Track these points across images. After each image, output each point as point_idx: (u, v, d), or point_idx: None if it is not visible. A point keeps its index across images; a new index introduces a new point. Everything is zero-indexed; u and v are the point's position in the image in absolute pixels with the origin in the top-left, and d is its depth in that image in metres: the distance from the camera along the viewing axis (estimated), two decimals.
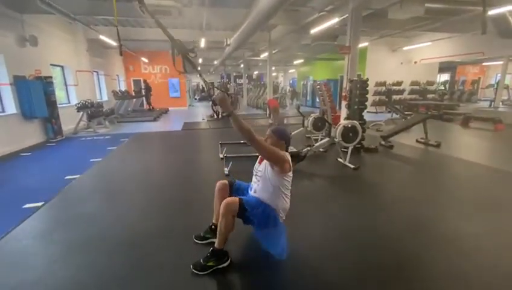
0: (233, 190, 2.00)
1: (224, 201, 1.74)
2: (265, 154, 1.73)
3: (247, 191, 1.98)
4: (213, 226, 2.08)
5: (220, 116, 10.09)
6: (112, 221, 2.62)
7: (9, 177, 3.92)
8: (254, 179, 1.95)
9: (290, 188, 1.90)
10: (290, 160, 1.82)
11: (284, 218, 1.91)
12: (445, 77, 19.34)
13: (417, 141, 5.88)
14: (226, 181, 2.03)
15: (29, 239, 2.31)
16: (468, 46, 9.70)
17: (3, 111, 5.63)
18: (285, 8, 5.73)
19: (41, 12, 5.80)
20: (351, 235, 2.34)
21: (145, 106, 13.80)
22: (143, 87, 13.72)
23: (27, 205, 2.93)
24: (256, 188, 1.88)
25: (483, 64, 18.03)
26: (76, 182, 3.67)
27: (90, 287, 1.73)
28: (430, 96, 12.85)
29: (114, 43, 8.77)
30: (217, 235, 1.81)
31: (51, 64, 7.29)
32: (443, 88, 16.95)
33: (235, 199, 1.77)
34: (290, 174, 1.85)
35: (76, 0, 6.11)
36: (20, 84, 5.76)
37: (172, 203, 3.03)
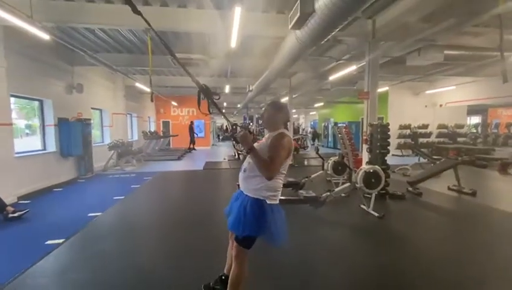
0: None
1: (233, 255, 1.70)
2: (284, 161, 1.67)
3: (234, 201, 1.83)
4: (223, 277, 1.98)
5: (239, 156, 10.27)
6: (125, 263, 2.61)
7: (39, 212, 4.13)
8: (247, 158, 1.80)
9: (284, 172, 1.73)
10: (292, 143, 1.70)
11: (276, 199, 1.72)
12: (475, 119, 18.56)
13: (449, 188, 5.46)
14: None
15: (45, 277, 2.34)
16: (496, 88, 9.36)
17: (44, 149, 6.19)
18: (304, 57, 6.09)
19: (88, 64, 6.68)
20: (371, 286, 2.11)
21: (191, 145, 14.43)
22: (228, 129, 14.73)
23: (49, 241, 3.03)
24: (247, 167, 1.73)
25: None
26: (97, 220, 3.78)
27: None
28: (460, 140, 12.22)
29: (148, 89, 9.66)
30: (228, 286, 1.71)
31: (92, 108, 8.10)
32: (475, 131, 16.15)
33: (235, 247, 1.69)
34: (288, 160, 1.71)
35: (118, 54, 7.00)
36: (62, 125, 6.40)
37: (187, 246, 2.98)
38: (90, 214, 3.94)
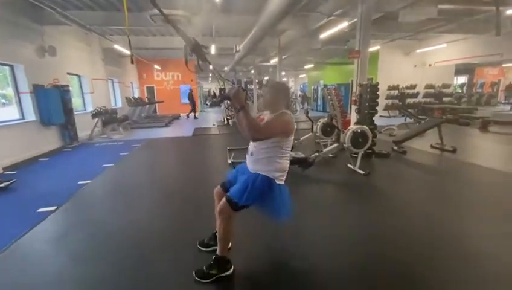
0: (226, 189, 1.91)
1: (216, 209, 1.75)
2: (277, 133, 1.66)
3: (240, 174, 1.89)
4: (216, 233, 2.07)
5: (229, 122, 10.18)
6: (119, 226, 2.67)
7: (27, 182, 4.08)
8: (251, 143, 1.82)
9: (289, 149, 1.78)
10: (293, 121, 1.72)
11: (283, 179, 1.79)
12: (462, 79, 18.73)
13: (432, 146, 5.68)
14: (219, 187, 1.98)
15: (41, 242, 2.38)
16: (485, 47, 9.34)
17: (23, 118, 5.89)
18: (294, 13, 5.74)
19: (59, 23, 6.08)
20: (359, 242, 2.27)
21: (192, 113, 13.82)
22: (216, 94, 14.07)
23: (41, 209, 3.03)
24: (254, 150, 1.77)
25: (503, 65, 17.33)
26: (88, 187, 3.77)
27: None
28: (446, 99, 12.45)
29: (128, 52, 9.04)
30: (218, 241, 1.80)
31: (68, 73, 7.59)
32: (460, 91, 16.40)
33: (222, 203, 1.73)
34: (291, 137, 1.75)
35: (91, 12, 6.37)
36: (39, 92, 6.02)
37: (180, 208, 3.06)
38: (79, 182, 3.91)
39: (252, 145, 1.79)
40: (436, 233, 2.39)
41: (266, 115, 1.84)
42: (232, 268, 1.83)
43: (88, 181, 3.96)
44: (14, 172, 4.60)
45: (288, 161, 1.81)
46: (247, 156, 1.85)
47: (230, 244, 2.01)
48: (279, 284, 1.80)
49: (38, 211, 2.98)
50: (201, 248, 2.12)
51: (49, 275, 1.91)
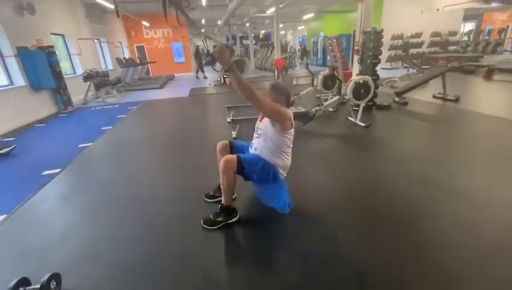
0: (233, 149, 2.00)
1: (223, 158, 1.75)
2: (266, 111, 1.68)
3: (247, 150, 1.98)
4: (221, 185, 2.11)
5: (225, 80, 9.84)
6: (125, 184, 2.73)
7: (28, 147, 4.07)
8: (255, 136, 1.93)
9: (291, 146, 1.87)
10: (291, 117, 1.77)
11: (285, 175, 1.92)
12: (470, 26, 17.67)
13: (434, 96, 5.58)
14: (226, 141, 2.02)
15: (50, 202, 2.45)
16: None
17: (12, 84, 5.67)
18: None
19: None
20: (359, 190, 2.34)
21: (199, 73, 12.53)
22: (193, 52, 13.01)
23: (46, 172, 3.07)
24: (257, 146, 1.87)
25: None
26: (89, 150, 3.78)
27: (108, 242, 1.85)
28: (451, 48, 11.87)
29: (111, 6, 8.34)
30: (222, 192, 1.85)
31: (52, 34, 7.09)
32: (467, 39, 15.59)
33: (233, 156, 1.76)
34: (292, 131, 1.81)
35: None
36: (24, 55, 5.69)
37: (183, 165, 3.10)
38: (80, 145, 3.91)
39: (256, 142, 1.87)
40: (434, 178, 2.45)
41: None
42: (238, 216, 1.91)
43: (88, 144, 3.96)
44: (13, 138, 4.57)
45: (290, 159, 1.90)
46: (250, 150, 1.94)
47: (235, 195, 2.07)
48: (282, 227, 1.88)
49: (43, 174, 3.02)
50: (207, 200, 2.18)
51: (57, 234, 1.97)
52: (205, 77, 12.25)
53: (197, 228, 1.87)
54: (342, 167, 2.86)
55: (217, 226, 1.85)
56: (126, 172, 3.05)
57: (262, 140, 1.83)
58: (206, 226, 1.86)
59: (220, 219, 1.85)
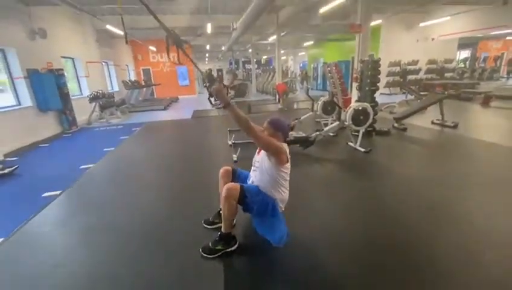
0: (235, 176, 2.03)
1: (225, 186, 1.76)
2: (262, 145, 1.71)
3: (247, 181, 2.00)
4: (221, 211, 2.10)
5: (216, 106, 10.05)
6: (124, 208, 2.71)
7: (29, 168, 4.10)
8: (252, 169, 1.97)
9: (287, 179, 1.88)
10: (287, 152, 1.81)
11: (283, 208, 1.91)
12: (465, 54, 18.27)
13: (432, 122, 5.66)
14: (229, 167, 2.05)
15: (48, 226, 2.43)
16: (490, 19, 9.03)
17: (19, 104, 5.81)
18: None
19: (47, 3, 5.83)
20: (360, 218, 2.32)
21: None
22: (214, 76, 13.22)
23: (46, 194, 3.07)
24: (254, 179, 1.89)
25: (507, 38, 16.84)
26: (90, 171, 3.80)
27: (104, 270, 1.81)
28: (448, 75, 12.22)
29: (121, 32, 8.75)
30: (222, 219, 1.84)
31: (62, 57, 7.39)
32: (463, 66, 16.06)
33: (236, 185, 1.78)
34: (288, 165, 1.83)
35: None
36: (33, 77, 5.90)
37: (183, 189, 3.09)
38: (82, 166, 3.94)
39: (253, 175, 1.92)
40: (436, 208, 2.43)
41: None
42: (237, 244, 1.89)
43: (90, 165, 3.99)
44: (16, 158, 4.61)
45: (288, 192, 1.91)
46: (248, 182, 1.96)
47: (234, 221, 2.05)
48: (280, 258, 1.85)
49: (44, 196, 3.02)
50: (207, 226, 2.17)
51: (56, 258, 1.95)
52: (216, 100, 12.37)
53: (195, 256, 1.84)
54: (342, 192, 2.86)
55: (215, 255, 1.82)
56: (126, 195, 3.04)
57: (259, 173, 1.86)
58: (204, 255, 1.83)
59: (219, 247, 1.83)
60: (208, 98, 1.74)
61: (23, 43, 5.82)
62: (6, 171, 3.75)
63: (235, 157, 3.88)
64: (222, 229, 1.84)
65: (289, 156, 1.83)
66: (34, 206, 2.72)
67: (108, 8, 7.77)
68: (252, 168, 1.98)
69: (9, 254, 2.04)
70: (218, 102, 1.62)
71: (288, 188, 1.91)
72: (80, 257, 1.95)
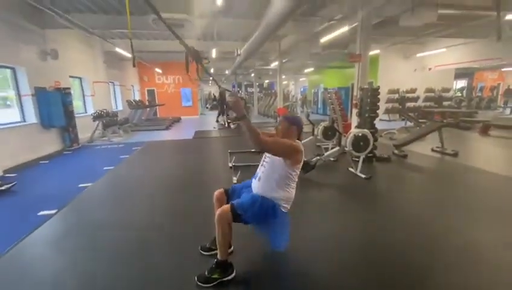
0: (230, 196, 1.97)
1: (216, 213, 1.73)
2: (279, 151, 1.70)
3: (246, 188, 1.94)
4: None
5: (228, 124, 10.18)
6: (120, 229, 2.65)
7: (28, 184, 4.07)
8: (260, 164, 1.90)
9: (296, 180, 1.83)
10: (302, 150, 1.77)
11: (288, 208, 1.84)
12: (462, 83, 18.76)
13: (432, 150, 5.68)
14: (221, 189, 2.01)
15: (40, 246, 2.37)
16: (485, 51, 9.40)
17: (24, 121, 5.90)
18: (295, 18, 5.78)
19: (61, 27, 6.12)
20: (360, 246, 2.26)
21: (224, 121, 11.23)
22: (216, 97, 12.62)
23: (42, 212, 3.02)
24: (261, 175, 1.82)
25: (503, 69, 17.39)
26: (88, 190, 3.76)
27: None
28: (446, 103, 12.47)
29: (129, 55, 9.09)
30: (217, 246, 1.79)
31: (70, 76, 7.62)
32: (460, 95, 16.43)
33: (225, 208, 1.74)
34: (300, 165, 1.80)
35: (93, 16, 6.42)
36: (40, 95, 6.04)
37: (181, 212, 3.04)
38: (80, 185, 3.91)
39: (260, 171, 1.85)
40: (437, 239, 2.37)
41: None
42: (234, 273, 1.82)
43: (88, 184, 3.96)
44: (15, 175, 4.59)
45: (294, 191, 1.86)
46: (253, 180, 1.90)
47: (231, 248, 2.00)
48: (278, 285, 1.78)
49: (39, 214, 2.97)
50: (203, 253, 2.10)
51: (48, 279, 1.89)
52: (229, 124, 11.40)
53: (190, 285, 1.77)
54: (342, 219, 2.81)
55: (211, 284, 1.75)
56: (122, 216, 2.99)
57: (267, 168, 1.80)
58: (199, 283, 1.76)
59: (215, 275, 1.76)
60: (217, 119, 1.77)
61: (34, 62, 6.03)
62: (3, 187, 3.72)
63: (235, 179, 3.86)
64: (218, 256, 1.79)
65: (303, 156, 1.80)
66: (29, 225, 2.66)
67: (118, 32, 8.13)
68: (261, 162, 1.91)
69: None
70: (229, 119, 1.65)
71: (294, 187, 1.85)
72: (69, 280, 1.88)
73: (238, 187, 2.02)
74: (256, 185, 1.84)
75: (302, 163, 1.80)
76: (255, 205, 1.73)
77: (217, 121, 11.90)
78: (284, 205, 1.80)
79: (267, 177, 1.77)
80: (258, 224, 1.81)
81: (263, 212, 1.74)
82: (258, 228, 1.87)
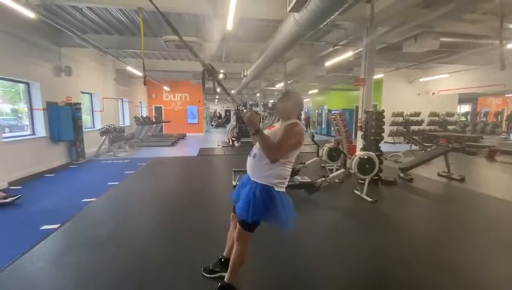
0: (235, 209, 1.88)
1: (235, 236, 1.71)
2: (291, 150, 1.67)
3: (241, 189, 1.84)
4: (222, 259, 2.02)
5: (234, 143, 10.25)
6: (122, 247, 2.61)
7: (33, 198, 4.07)
8: (257, 144, 1.78)
9: (293, 158, 1.75)
10: (304, 134, 1.71)
11: (282, 186, 1.73)
12: (466, 108, 18.87)
13: (439, 174, 5.62)
14: (232, 212, 1.96)
15: (42, 262, 2.33)
16: (488, 78, 9.51)
17: (33, 134, 6.02)
18: (301, 42, 5.99)
19: (77, 46, 6.41)
20: (363, 272, 2.19)
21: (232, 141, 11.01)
22: (233, 114, 12.36)
23: (44, 227, 3.00)
24: (257, 152, 1.73)
25: (507, 95, 17.52)
26: (92, 205, 3.75)
27: None
28: (450, 127, 12.47)
29: (139, 73, 9.38)
30: (230, 266, 1.74)
31: (81, 92, 7.85)
32: (464, 119, 16.47)
33: (238, 228, 1.71)
34: (300, 147, 1.72)
35: (108, 36, 6.73)
36: (51, 109, 6.20)
37: (184, 230, 3.00)
38: (84, 200, 3.90)
39: (256, 147, 1.77)
40: (441, 264, 2.29)
41: (276, 123, 1.84)
42: None
43: (92, 199, 3.95)
44: (20, 187, 4.61)
45: (290, 170, 1.77)
46: (248, 158, 1.81)
47: None
48: None
49: (42, 229, 2.95)
50: (206, 275, 2.05)
51: None
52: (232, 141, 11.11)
53: None
54: (347, 243, 2.74)
55: None
56: (124, 233, 2.95)
57: (262, 152, 1.68)
58: None
59: None
60: (230, 138, 1.76)
61: (48, 78, 6.26)
62: (8, 200, 3.72)
63: None
64: (225, 279, 1.74)
65: (303, 139, 1.72)
66: (31, 239, 2.65)
67: (130, 52, 8.47)
68: (252, 155, 1.81)
69: None
70: (233, 138, 1.65)
71: (290, 166, 1.76)
72: None
73: (236, 194, 1.90)
74: (251, 163, 1.77)
75: (302, 145, 1.72)
76: (251, 203, 1.66)
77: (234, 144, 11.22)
78: (278, 184, 1.70)
79: (263, 155, 1.66)
80: (264, 217, 1.69)
81: (262, 203, 1.65)
82: (265, 219, 1.74)
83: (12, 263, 2.25)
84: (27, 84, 5.88)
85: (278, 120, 1.90)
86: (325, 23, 3.64)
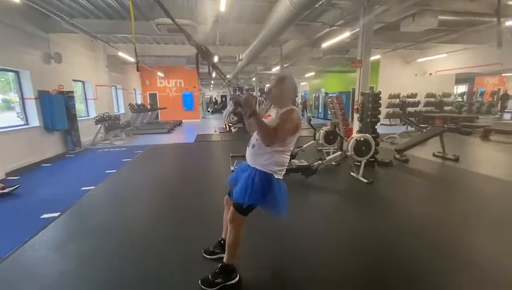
0: (231, 195, 1.89)
1: (228, 217, 1.74)
2: (288, 136, 1.67)
3: (240, 173, 1.84)
4: (222, 241, 2.07)
5: (231, 128, 10.21)
6: (122, 232, 2.66)
7: (30, 187, 4.08)
8: (255, 134, 1.79)
9: (292, 145, 1.76)
10: (300, 119, 1.72)
11: (281, 173, 1.75)
12: (462, 88, 18.82)
13: (434, 154, 5.69)
14: (227, 195, 1.98)
15: (44, 249, 2.37)
16: (485, 57, 9.43)
17: (27, 124, 5.93)
18: (296, 23, 5.83)
19: (65, 31, 6.19)
20: (361, 251, 2.26)
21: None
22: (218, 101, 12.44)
23: (44, 215, 3.03)
24: (255, 143, 1.74)
25: (503, 75, 17.44)
26: (91, 193, 3.78)
27: None
28: (447, 108, 12.49)
29: (132, 59, 9.17)
30: (226, 249, 1.79)
31: (73, 80, 7.68)
32: (461, 100, 16.46)
33: (231, 211, 1.73)
34: (298, 133, 1.73)
35: (97, 20, 6.49)
36: (43, 98, 6.08)
37: (183, 215, 3.05)
38: (83, 188, 3.92)
39: (254, 138, 1.78)
40: (438, 243, 2.38)
41: (272, 111, 1.80)
42: (238, 277, 1.82)
43: (91, 187, 3.97)
44: (18, 177, 4.61)
45: (289, 157, 1.79)
46: (247, 148, 1.82)
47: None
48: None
49: (42, 217, 2.98)
50: (207, 256, 2.11)
51: (50, 283, 1.90)
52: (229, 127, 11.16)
53: (194, 288, 1.78)
54: (344, 224, 2.81)
55: (215, 288, 1.76)
56: (124, 219, 3.00)
57: (260, 141, 1.68)
58: (203, 287, 1.76)
59: (218, 280, 1.77)
60: (226, 114, 1.76)
61: (37, 66, 6.08)
62: (6, 190, 3.73)
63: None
64: (224, 260, 1.79)
65: (300, 125, 1.73)
66: (32, 228, 2.68)
67: (121, 37, 8.21)
68: (250, 145, 1.81)
69: (2, 279, 1.97)
70: (235, 119, 1.63)
71: (289, 152, 1.78)
72: (72, 284, 1.89)
73: (234, 178, 1.91)
74: (250, 152, 1.77)
75: (299, 131, 1.73)
76: (248, 187, 1.67)
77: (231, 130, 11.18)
78: (278, 171, 1.72)
79: (261, 145, 1.67)
80: (260, 202, 1.72)
81: (259, 189, 1.66)
82: (261, 204, 1.76)
83: (14, 252, 2.28)
84: (16, 72, 5.72)
85: (271, 106, 1.87)
86: (320, 2, 3.54)
